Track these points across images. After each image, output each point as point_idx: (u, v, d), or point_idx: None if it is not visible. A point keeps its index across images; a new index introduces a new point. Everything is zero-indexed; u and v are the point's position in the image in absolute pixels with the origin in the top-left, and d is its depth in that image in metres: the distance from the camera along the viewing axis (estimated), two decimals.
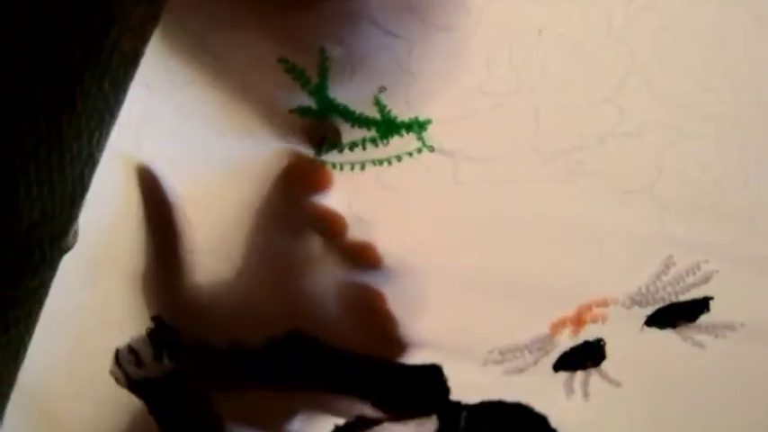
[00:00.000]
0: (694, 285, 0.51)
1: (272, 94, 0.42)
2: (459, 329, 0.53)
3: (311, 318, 0.52)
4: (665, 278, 0.51)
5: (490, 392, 0.57)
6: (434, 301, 0.51)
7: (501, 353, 0.54)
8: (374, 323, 0.51)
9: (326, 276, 0.50)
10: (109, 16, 0.28)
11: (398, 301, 0.50)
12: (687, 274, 0.50)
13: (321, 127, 0.43)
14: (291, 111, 0.43)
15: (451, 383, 0.56)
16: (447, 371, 0.55)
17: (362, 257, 0.49)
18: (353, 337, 0.52)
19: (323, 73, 0.40)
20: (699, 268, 0.50)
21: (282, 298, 0.51)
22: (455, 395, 0.57)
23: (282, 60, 0.40)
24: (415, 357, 0.54)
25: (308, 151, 0.45)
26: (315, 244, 0.49)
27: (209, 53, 0.40)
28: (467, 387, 0.56)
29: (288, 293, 0.51)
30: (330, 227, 0.48)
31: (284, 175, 0.46)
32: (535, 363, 0.55)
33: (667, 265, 0.50)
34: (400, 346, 0.53)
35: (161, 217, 0.48)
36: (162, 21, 0.31)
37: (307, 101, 0.42)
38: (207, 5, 0.39)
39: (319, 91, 0.41)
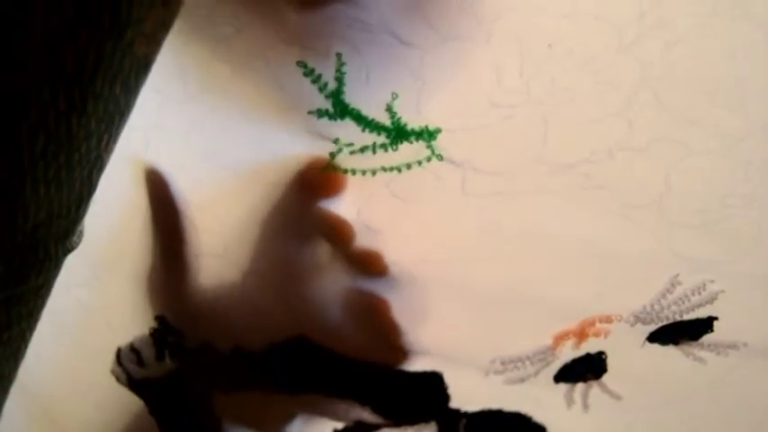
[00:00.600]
0: (699, 305, 0.51)
1: (287, 97, 0.42)
2: (461, 339, 0.53)
3: (315, 323, 0.52)
4: (670, 297, 0.51)
5: (490, 401, 0.57)
6: (438, 310, 0.51)
7: (503, 363, 0.54)
8: (378, 330, 0.51)
9: (331, 282, 0.50)
10: (123, 20, 0.28)
11: (402, 309, 0.51)
12: (692, 294, 0.50)
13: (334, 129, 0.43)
14: (310, 112, 0.43)
15: (452, 391, 0.56)
16: (448, 379, 0.55)
17: (368, 265, 0.49)
18: (357, 344, 0.52)
19: (339, 78, 0.41)
20: (704, 288, 0.50)
21: (287, 303, 0.51)
22: (455, 403, 0.57)
23: (301, 64, 0.40)
24: (417, 365, 0.54)
25: (320, 154, 0.45)
26: (321, 250, 0.49)
27: (223, 59, 0.41)
28: (467, 395, 0.57)
29: (292, 298, 0.51)
30: (338, 234, 0.48)
31: (298, 180, 0.46)
32: (536, 374, 0.55)
33: (673, 284, 0.50)
34: (403, 353, 0.53)
35: (168, 219, 0.49)
36: (176, 27, 0.31)
37: (323, 104, 0.42)
38: (221, 11, 0.39)
39: (336, 95, 0.41)
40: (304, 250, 0.49)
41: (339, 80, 0.41)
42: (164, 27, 0.31)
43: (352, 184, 0.45)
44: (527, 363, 0.54)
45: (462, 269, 0.49)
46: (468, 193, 0.45)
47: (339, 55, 0.40)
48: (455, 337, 0.53)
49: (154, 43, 0.31)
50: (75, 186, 0.33)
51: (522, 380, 0.55)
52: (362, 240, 0.48)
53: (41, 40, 0.27)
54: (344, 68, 0.40)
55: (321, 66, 0.40)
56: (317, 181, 0.46)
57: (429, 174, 0.44)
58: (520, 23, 0.38)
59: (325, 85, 0.41)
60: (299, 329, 0.53)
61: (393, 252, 0.48)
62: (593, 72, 0.40)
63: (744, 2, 0.38)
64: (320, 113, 0.42)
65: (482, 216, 0.46)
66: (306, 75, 0.41)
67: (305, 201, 0.47)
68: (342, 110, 0.42)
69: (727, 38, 0.40)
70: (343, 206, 0.46)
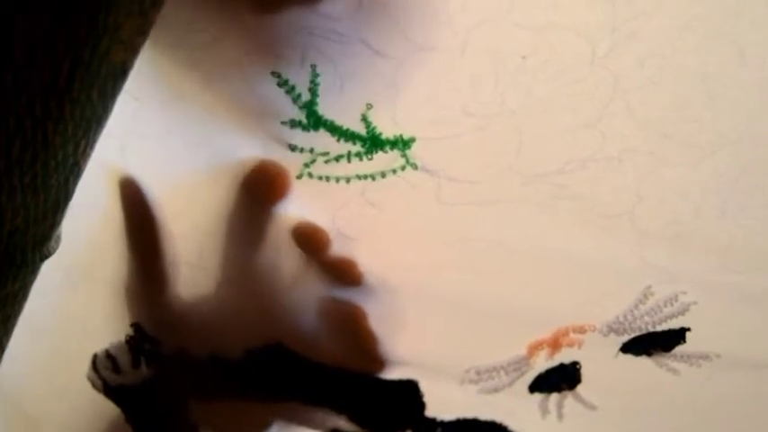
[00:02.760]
0: (672, 316, 0.52)
1: (262, 107, 0.42)
2: (437, 347, 0.53)
3: (291, 332, 0.52)
4: (642, 308, 0.51)
5: (465, 411, 0.57)
6: (414, 319, 0.51)
7: (477, 372, 0.54)
8: (354, 339, 0.51)
9: (308, 291, 0.50)
10: (99, 28, 0.28)
11: (378, 318, 0.51)
12: (665, 305, 0.51)
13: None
14: (283, 123, 0.43)
15: (428, 400, 0.56)
16: (424, 388, 0.55)
17: (343, 274, 0.49)
18: (333, 352, 0.52)
19: (313, 89, 0.41)
20: (677, 299, 0.51)
21: (263, 311, 0.51)
22: (431, 412, 0.57)
23: (275, 74, 0.40)
24: (392, 373, 0.54)
25: (293, 162, 0.45)
26: (296, 258, 0.49)
27: (198, 68, 0.41)
28: (443, 404, 0.57)
29: (268, 307, 0.51)
30: (312, 242, 0.48)
31: (246, 181, 0.46)
32: (511, 383, 0.55)
33: (646, 295, 0.50)
34: (379, 362, 0.53)
35: (143, 228, 0.48)
36: (152, 34, 0.31)
37: (297, 114, 0.42)
38: (198, 21, 0.39)
39: (309, 106, 0.42)
40: (278, 258, 0.49)
41: (313, 91, 0.41)
42: (141, 35, 0.31)
43: (327, 192, 0.45)
44: (501, 373, 0.54)
45: (436, 277, 0.49)
46: (442, 201, 0.45)
47: (314, 66, 0.40)
48: (430, 345, 0.53)
49: (131, 51, 0.31)
50: (51, 192, 0.33)
51: (496, 390, 0.55)
52: (337, 247, 0.48)
53: (19, 48, 0.28)
54: (318, 80, 0.40)
55: (295, 76, 0.40)
56: (264, 180, 0.46)
57: (404, 182, 0.44)
58: (494, 35, 0.39)
59: (299, 95, 0.41)
60: (276, 337, 0.53)
61: (368, 260, 0.49)
62: (567, 84, 0.41)
63: (715, 18, 0.39)
64: (293, 124, 0.43)
65: (456, 225, 0.46)
66: (280, 85, 0.41)
67: (265, 206, 0.47)
68: (315, 121, 0.42)
69: (699, 53, 0.40)
70: (318, 213, 0.46)
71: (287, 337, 0.53)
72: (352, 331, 0.51)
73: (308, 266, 0.49)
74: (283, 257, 0.49)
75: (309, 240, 0.48)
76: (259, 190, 0.46)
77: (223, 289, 0.51)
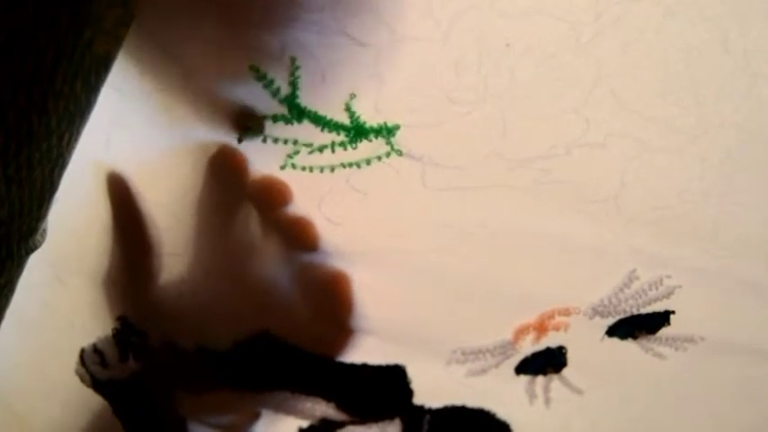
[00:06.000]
0: (656, 300, 0.52)
1: (241, 101, 0.42)
2: (424, 327, 0.53)
3: (278, 315, 0.52)
4: (627, 291, 0.51)
5: (453, 396, 0.58)
6: (400, 298, 0.51)
7: (464, 353, 0.54)
8: (330, 303, 0.51)
9: (290, 267, 0.50)
10: (82, 18, 0.28)
11: (361, 287, 0.50)
12: (650, 288, 0.51)
13: (244, 116, 0.43)
14: (265, 117, 0.43)
15: (415, 383, 0.56)
16: (411, 369, 0.55)
17: (300, 235, 0.48)
18: (311, 323, 0.52)
19: (293, 82, 0.41)
20: (661, 283, 0.51)
21: (248, 297, 0.51)
22: (419, 397, 0.57)
23: (253, 68, 0.40)
24: (378, 351, 0.54)
25: (276, 154, 0.45)
26: (276, 238, 0.49)
27: (178, 62, 0.40)
28: (430, 388, 0.57)
29: (253, 292, 0.51)
30: (273, 195, 0.46)
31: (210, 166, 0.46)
32: (497, 365, 0.55)
33: (630, 279, 0.51)
34: (347, 330, 0.52)
35: (129, 220, 0.48)
36: (133, 28, 0.31)
37: (277, 108, 0.42)
38: (175, 16, 0.38)
39: (291, 99, 0.41)
40: (258, 241, 0.49)
41: (293, 84, 0.41)
42: (123, 26, 0.31)
43: (312, 179, 0.45)
44: (488, 355, 0.54)
45: (422, 260, 0.49)
46: (428, 186, 0.45)
47: (293, 59, 0.40)
48: (418, 324, 0.53)
49: (113, 42, 0.31)
50: (36, 185, 0.33)
51: (483, 371, 0.55)
52: (324, 233, 0.48)
53: (0, 38, 0.27)
54: (299, 72, 0.40)
55: (275, 70, 0.40)
56: (224, 162, 0.45)
57: (389, 168, 0.44)
58: (478, 23, 0.39)
59: (278, 90, 0.41)
60: (263, 325, 0.53)
61: (355, 245, 0.49)
62: (551, 70, 0.41)
63: (699, 4, 0.39)
64: (275, 118, 0.42)
65: (442, 209, 0.46)
66: (258, 80, 0.41)
67: (233, 188, 0.47)
68: (299, 113, 0.42)
69: (683, 39, 0.40)
70: (304, 200, 0.46)
71: (274, 323, 0.52)
72: (331, 293, 0.50)
73: (267, 232, 0.49)
74: (263, 240, 0.49)
75: (268, 193, 0.46)
76: (223, 173, 0.46)
77: (208, 278, 0.51)
